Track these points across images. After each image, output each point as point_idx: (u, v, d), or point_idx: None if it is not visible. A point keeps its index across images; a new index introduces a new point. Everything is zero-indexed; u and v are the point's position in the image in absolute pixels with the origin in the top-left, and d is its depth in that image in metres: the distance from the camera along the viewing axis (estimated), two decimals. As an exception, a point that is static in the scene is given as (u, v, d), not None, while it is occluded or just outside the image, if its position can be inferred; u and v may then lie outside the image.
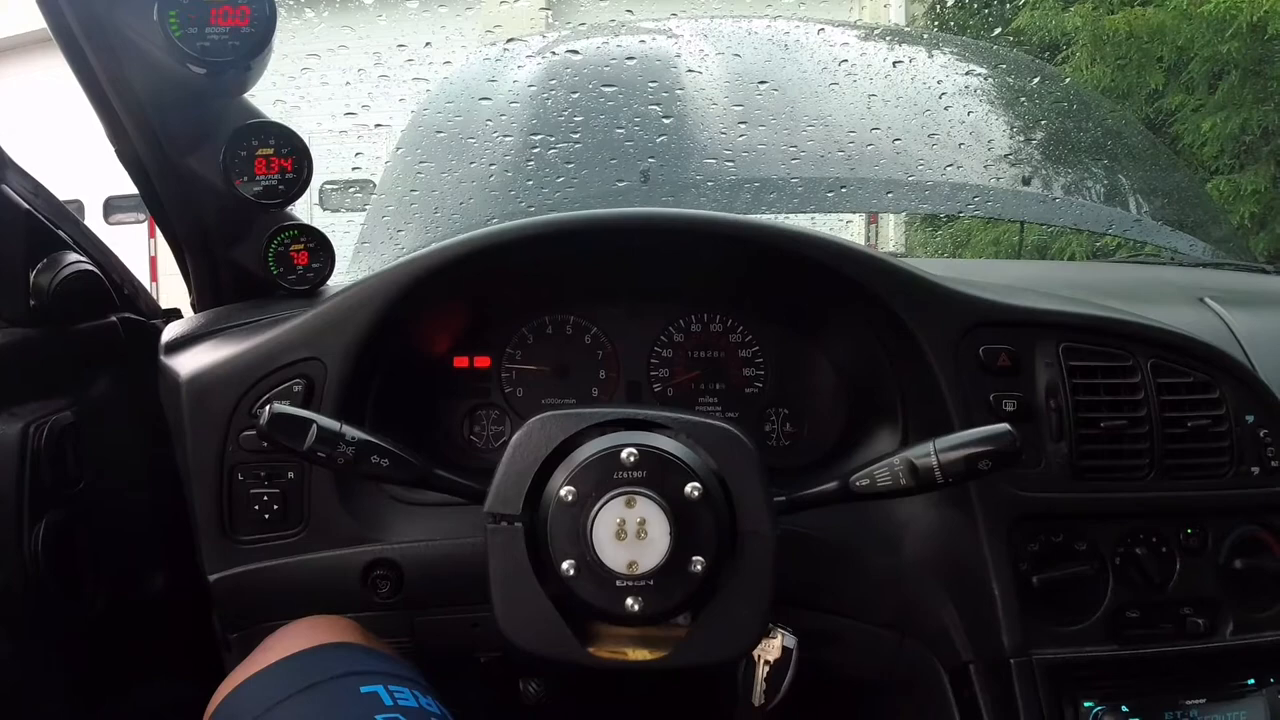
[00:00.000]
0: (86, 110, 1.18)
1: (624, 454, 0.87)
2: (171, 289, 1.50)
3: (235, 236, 1.28)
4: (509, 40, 1.93)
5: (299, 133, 1.22)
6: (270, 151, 1.19)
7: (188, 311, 1.40)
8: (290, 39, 1.11)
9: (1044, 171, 2.03)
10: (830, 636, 1.14)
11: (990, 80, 2.15)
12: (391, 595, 1.13)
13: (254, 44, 1.07)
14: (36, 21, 1.10)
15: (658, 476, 0.87)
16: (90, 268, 1.27)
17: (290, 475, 1.12)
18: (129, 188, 1.25)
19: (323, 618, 1.08)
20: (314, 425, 0.91)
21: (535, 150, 1.68)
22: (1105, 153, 2.16)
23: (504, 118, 1.74)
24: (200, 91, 1.14)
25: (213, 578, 1.13)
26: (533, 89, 1.79)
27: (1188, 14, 4.63)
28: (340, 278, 1.34)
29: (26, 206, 1.20)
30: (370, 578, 1.13)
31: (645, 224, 1.16)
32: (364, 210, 1.96)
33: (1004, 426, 0.92)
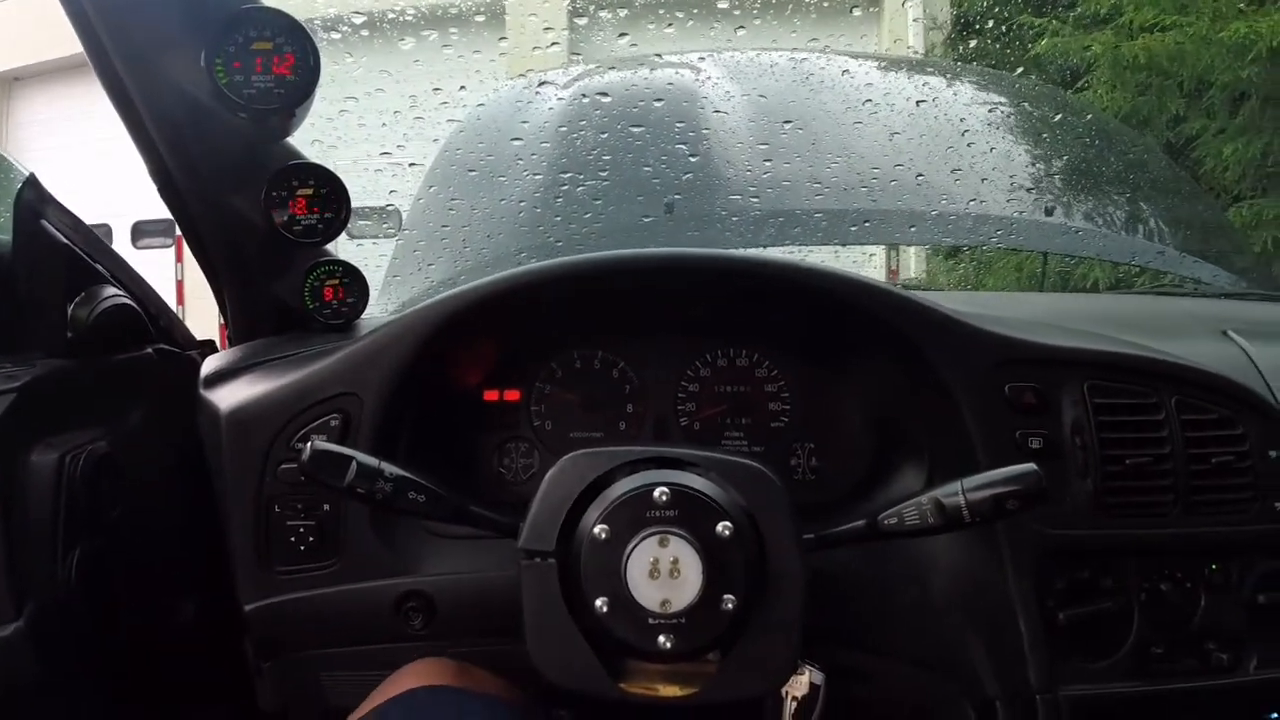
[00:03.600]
0: (112, 135, 1.20)
1: (656, 493, 0.89)
2: (198, 312, 1.53)
3: (273, 271, 1.31)
4: (541, 82, 1.96)
5: (335, 170, 1.26)
6: (310, 192, 1.22)
7: (217, 340, 1.43)
8: (329, 82, 1.14)
9: (1067, 202, 2.03)
10: (857, 672, 1.14)
11: (1013, 113, 2.16)
12: (423, 627, 1.15)
13: (299, 92, 1.10)
14: (60, 48, 1.13)
15: (690, 516, 0.89)
16: (127, 301, 1.29)
17: (326, 507, 1.14)
18: (158, 212, 1.28)
19: (434, 661, 1.11)
20: (354, 462, 0.93)
21: (564, 187, 1.72)
22: (1128, 184, 2.17)
23: (534, 156, 1.77)
24: (244, 135, 1.17)
25: (249, 607, 1.15)
26: (563, 129, 1.82)
27: (1207, 39, 4.61)
28: (370, 309, 1.37)
29: (65, 241, 1.22)
30: (403, 609, 1.14)
31: (671, 264, 1.18)
32: (389, 239, 1.99)
33: (1030, 466, 0.92)
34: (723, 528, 0.88)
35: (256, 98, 1.08)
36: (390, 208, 1.98)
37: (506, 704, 1.07)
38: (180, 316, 1.50)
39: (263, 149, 1.22)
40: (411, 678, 1.07)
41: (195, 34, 1.10)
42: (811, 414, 1.31)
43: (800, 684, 1.03)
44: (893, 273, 3.59)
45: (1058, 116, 2.22)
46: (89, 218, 1.31)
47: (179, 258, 5.46)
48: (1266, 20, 4.32)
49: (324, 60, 1.12)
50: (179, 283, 5.64)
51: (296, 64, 1.09)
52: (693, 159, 1.77)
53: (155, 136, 1.18)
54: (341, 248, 1.40)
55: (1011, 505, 0.91)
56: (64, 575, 1.13)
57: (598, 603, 0.89)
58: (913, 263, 4.00)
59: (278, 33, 1.10)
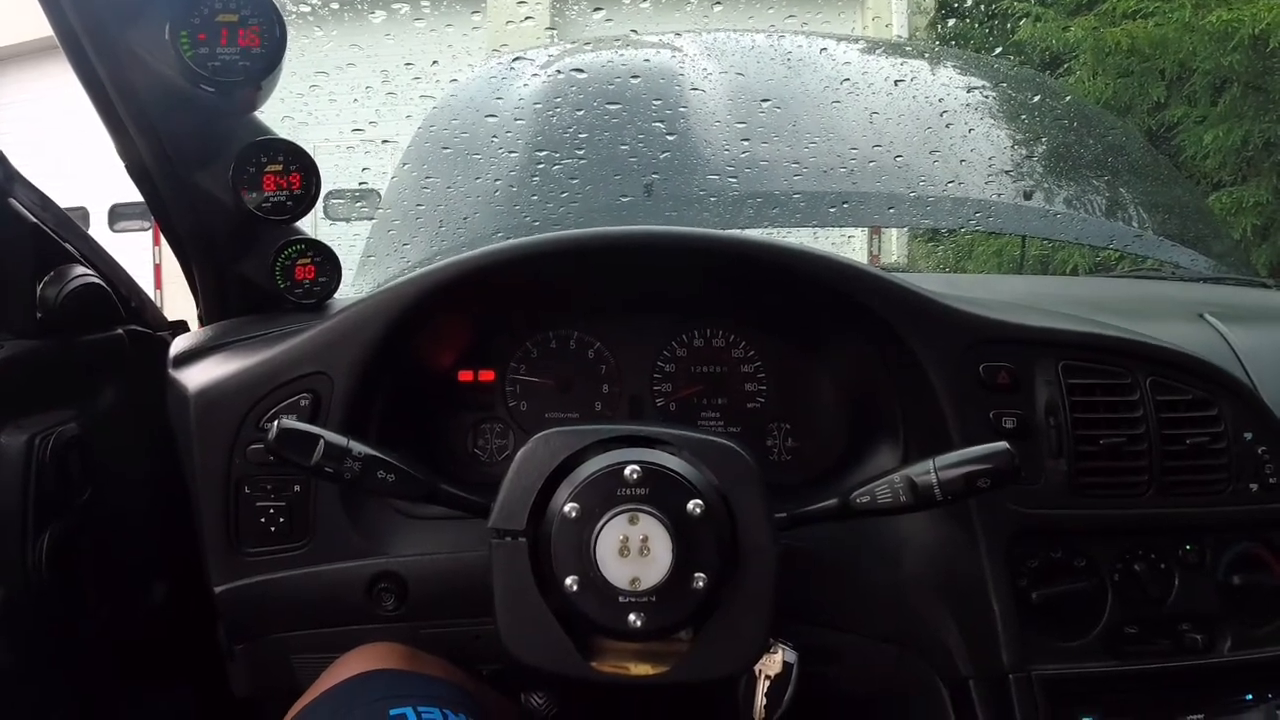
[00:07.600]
0: (90, 118, 1.19)
1: (627, 471, 0.88)
2: (176, 296, 1.51)
3: (243, 250, 1.30)
4: (515, 59, 1.94)
5: (306, 148, 1.24)
6: (279, 168, 1.21)
7: (193, 323, 1.41)
8: (299, 57, 1.12)
9: (1046, 186, 2.03)
10: (831, 651, 1.15)
11: (992, 96, 2.15)
12: (395, 608, 1.14)
13: (265, 64, 1.08)
14: (39, 29, 1.11)
15: (660, 494, 0.88)
16: (97, 280, 1.27)
17: (296, 488, 1.13)
18: (134, 195, 1.26)
19: (375, 645, 1.11)
20: (321, 440, 0.92)
21: (540, 166, 1.70)
22: (1107, 168, 2.17)
23: (509, 134, 1.76)
24: (210, 109, 1.15)
25: (219, 589, 1.14)
26: (538, 106, 1.80)
27: (1190, 26, 4.62)
28: (345, 290, 1.35)
29: (34, 220, 1.20)
30: (375, 590, 1.14)
31: (646, 242, 1.17)
32: (368, 221, 1.98)
33: (1002, 445, 0.92)
34: (693, 505, 0.88)
35: (221, 70, 1.07)
36: (365, 186, 1.96)
37: (453, 686, 1.06)
38: (159, 300, 1.48)
39: (230, 125, 1.20)
40: (358, 662, 1.07)
41: (160, 6, 1.08)
42: (788, 394, 1.31)
43: (773, 663, 1.04)
44: (874, 257, 3.60)
45: (1036, 98, 2.22)
46: (66, 201, 1.29)
47: (156, 241, 5.42)
48: (1249, 8, 4.34)
49: (293, 34, 1.11)
50: (157, 266, 5.60)
51: (263, 36, 1.08)
52: (670, 138, 1.75)
53: (122, 113, 1.16)
54: (320, 230, 1.38)
55: (983, 484, 0.91)
56: (34, 558, 1.12)
57: (567, 581, 0.88)
58: (894, 247, 4.01)
59: (243, 4, 1.08)
